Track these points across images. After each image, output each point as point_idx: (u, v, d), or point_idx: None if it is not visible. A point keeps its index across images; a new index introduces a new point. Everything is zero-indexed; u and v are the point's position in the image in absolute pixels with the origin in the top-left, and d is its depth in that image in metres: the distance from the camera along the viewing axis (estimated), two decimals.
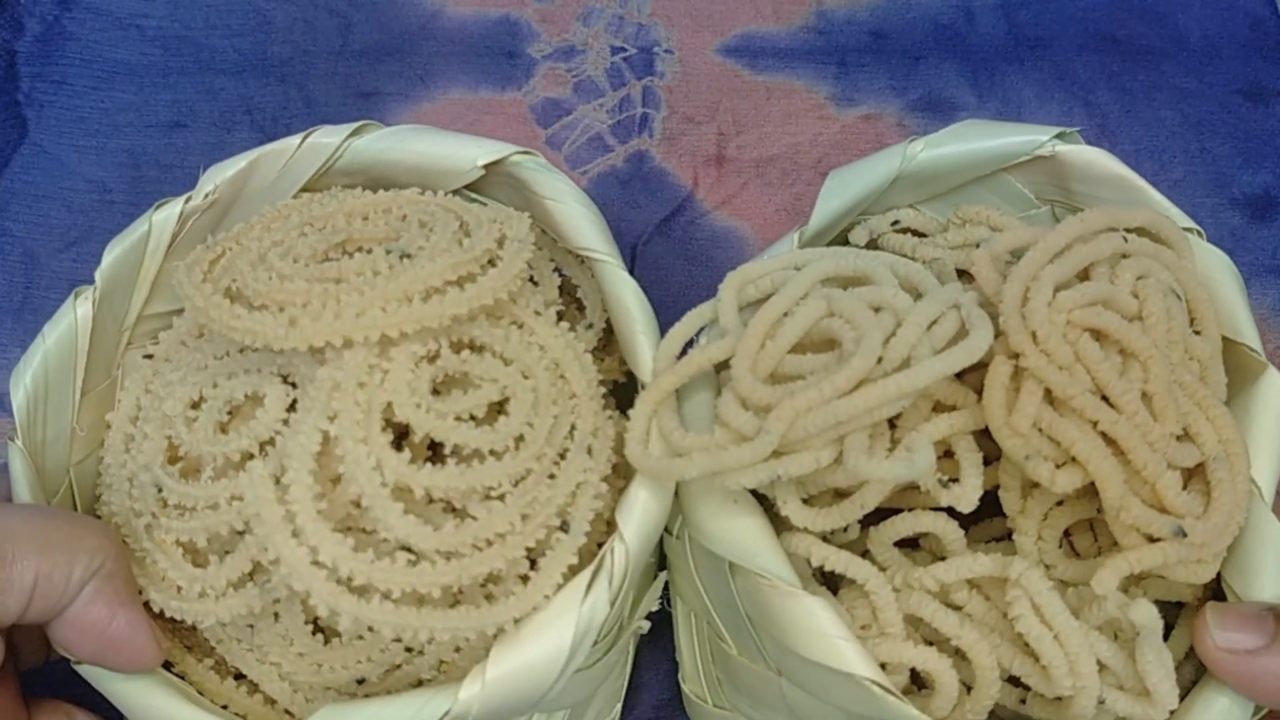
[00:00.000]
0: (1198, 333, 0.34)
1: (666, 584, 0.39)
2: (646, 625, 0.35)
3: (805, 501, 0.33)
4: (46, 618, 0.30)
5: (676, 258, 0.55)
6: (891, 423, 0.36)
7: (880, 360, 0.30)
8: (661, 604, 0.35)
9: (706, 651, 0.38)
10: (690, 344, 0.35)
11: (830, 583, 0.35)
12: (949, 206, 0.41)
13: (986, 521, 0.37)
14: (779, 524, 0.33)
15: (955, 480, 0.32)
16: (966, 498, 0.32)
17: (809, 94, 0.59)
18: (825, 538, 0.33)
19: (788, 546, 0.32)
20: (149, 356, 0.38)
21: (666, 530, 0.36)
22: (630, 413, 0.33)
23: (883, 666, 0.31)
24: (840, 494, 0.32)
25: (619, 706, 0.40)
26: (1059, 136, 0.38)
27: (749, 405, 0.31)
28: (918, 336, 0.30)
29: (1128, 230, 0.35)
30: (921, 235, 0.41)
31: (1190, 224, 0.36)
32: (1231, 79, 0.59)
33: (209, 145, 0.57)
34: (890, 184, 0.39)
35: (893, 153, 0.39)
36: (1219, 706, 0.31)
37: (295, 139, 0.38)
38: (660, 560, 0.38)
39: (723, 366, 0.33)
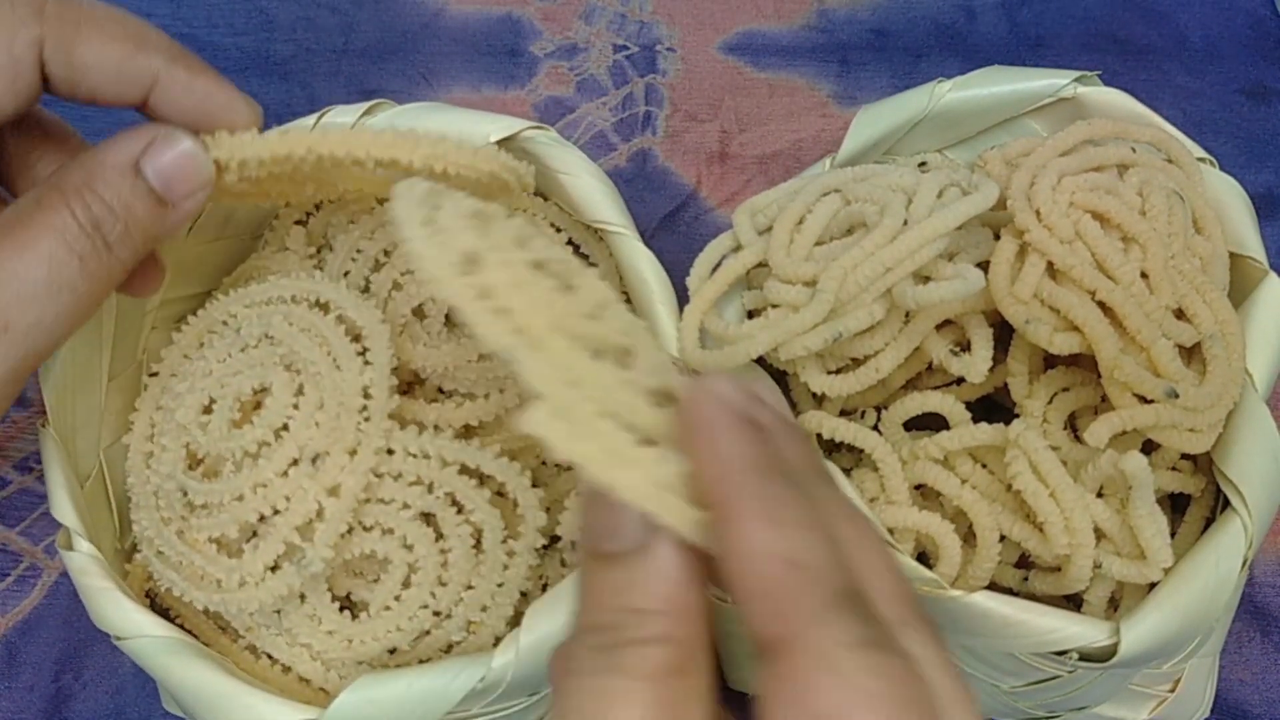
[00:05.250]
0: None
1: None
2: None
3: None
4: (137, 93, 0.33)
5: (680, 255, 0.55)
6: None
7: (905, 224, 0.32)
8: None
9: None
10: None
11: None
12: (973, 152, 0.42)
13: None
14: (794, 410, 0.35)
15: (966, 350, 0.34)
16: (976, 367, 0.33)
17: (811, 92, 0.59)
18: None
19: (802, 424, 0.34)
20: (154, 374, 0.38)
21: None
22: (679, 325, 0.35)
23: (890, 534, 0.32)
24: (857, 362, 0.34)
25: None
26: (1079, 80, 0.39)
27: (793, 281, 0.33)
28: (933, 197, 0.32)
29: (1135, 143, 0.36)
30: None
31: (1203, 154, 0.37)
32: (1233, 78, 0.59)
33: None
34: (918, 123, 0.40)
35: (921, 91, 0.40)
36: (1209, 564, 0.31)
37: (310, 119, 0.39)
38: None
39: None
